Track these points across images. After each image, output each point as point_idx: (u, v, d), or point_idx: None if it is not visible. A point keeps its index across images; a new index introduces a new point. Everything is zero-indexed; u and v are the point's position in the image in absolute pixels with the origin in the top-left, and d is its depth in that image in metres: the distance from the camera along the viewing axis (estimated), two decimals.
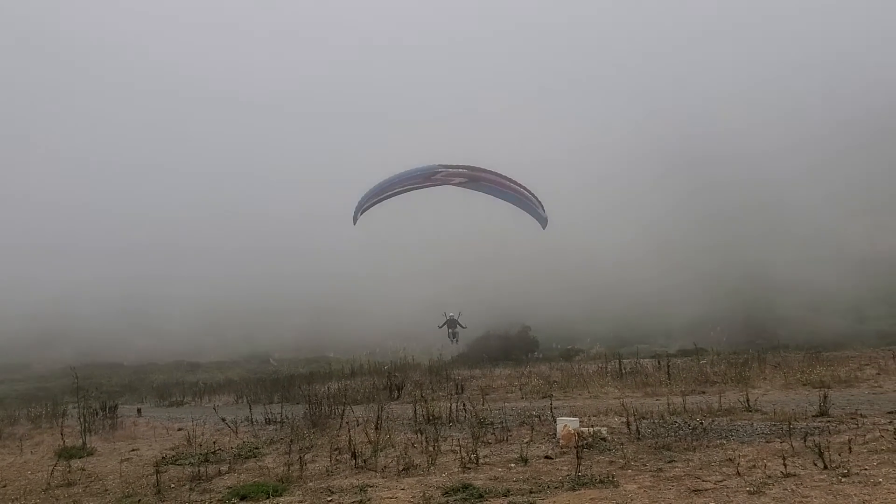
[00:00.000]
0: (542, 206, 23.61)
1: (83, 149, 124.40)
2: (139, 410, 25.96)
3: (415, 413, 14.82)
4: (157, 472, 10.58)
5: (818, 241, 79.52)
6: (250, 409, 18.68)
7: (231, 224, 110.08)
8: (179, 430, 17.68)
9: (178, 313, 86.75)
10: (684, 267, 75.09)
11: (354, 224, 23.62)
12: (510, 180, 23.02)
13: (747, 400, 13.30)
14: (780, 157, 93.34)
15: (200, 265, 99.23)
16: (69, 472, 12.14)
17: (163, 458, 13.11)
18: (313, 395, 17.96)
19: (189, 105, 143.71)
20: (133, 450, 15.15)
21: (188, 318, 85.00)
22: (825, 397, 11.95)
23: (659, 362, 23.13)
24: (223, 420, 16.11)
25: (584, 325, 68.36)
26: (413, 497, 8.14)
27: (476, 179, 22.84)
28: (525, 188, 23.10)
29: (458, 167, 22.57)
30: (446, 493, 8.16)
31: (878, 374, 17.93)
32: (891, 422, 10.18)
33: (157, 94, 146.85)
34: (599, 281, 72.10)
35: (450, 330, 34.14)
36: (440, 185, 22.79)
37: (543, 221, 24.07)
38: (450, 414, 14.79)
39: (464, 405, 15.48)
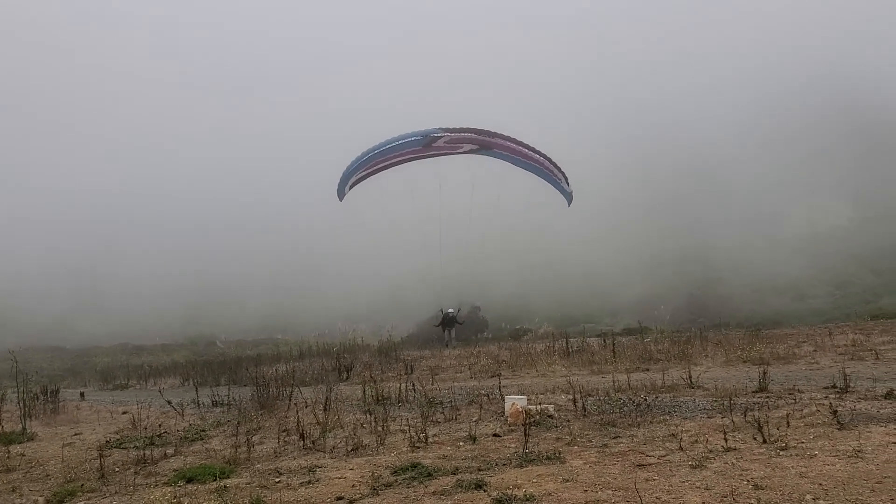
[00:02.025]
0: (567, 180, 20.12)
1: (27, 120, 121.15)
2: (82, 394, 25.49)
3: (364, 394, 14.82)
4: (101, 456, 10.38)
5: (759, 223, 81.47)
6: (197, 391, 18.45)
7: (178, 201, 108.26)
8: (124, 413, 17.40)
9: (122, 294, 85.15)
10: (630, 248, 76.30)
11: (341, 200, 20.11)
12: (529, 148, 19.23)
13: (690, 377, 13.60)
14: (725, 144, 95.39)
15: (146, 243, 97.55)
16: (8, 457, 11.84)
17: (107, 441, 12.88)
18: (261, 377, 17.82)
19: (135, 77, 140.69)
20: (76, 434, 14.86)
21: (133, 299, 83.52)
22: (764, 374, 12.28)
23: (605, 341, 23.52)
24: (169, 403, 15.90)
25: (533, 305, 69.06)
26: (362, 476, 8.15)
27: (487, 147, 18.97)
28: (547, 157, 19.41)
29: (462, 130, 18.60)
30: (395, 472, 8.18)
31: (815, 350, 18.49)
32: (826, 397, 10.51)
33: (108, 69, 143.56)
34: (548, 262, 72.93)
35: (446, 330, 29.65)
36: (444, 154, 19.01)
37: (568, 197, 20.57)
38: (399, 394, 14.83)
39: (413, 385, 15.54)
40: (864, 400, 10.11)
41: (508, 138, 18.91)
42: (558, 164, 19.58)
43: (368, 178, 19.62)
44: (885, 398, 10.05)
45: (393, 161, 18.98)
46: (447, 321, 28.90)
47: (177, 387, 28.35)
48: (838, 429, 8.29)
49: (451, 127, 18.43)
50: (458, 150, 18.97)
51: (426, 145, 18.44)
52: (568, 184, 20.09)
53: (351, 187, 19.56)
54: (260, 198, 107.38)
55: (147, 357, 56.32)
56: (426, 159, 19.07)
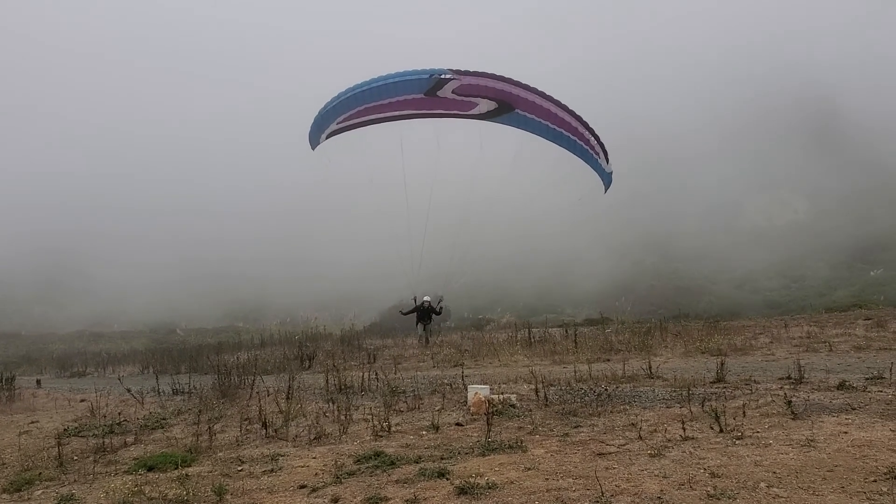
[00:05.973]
0: (607, 156, 15.82)
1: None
2: (38, 382, 25.14)
3: (326, 382, 14.79)
4: (59, 444, 10.26)
5: (718, 216, 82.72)
6: (157, 379, 18.27)
7: (145, 188, 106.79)
8: (82, 401, 17.19)
9: (81, 281, 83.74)
10: (593, 240, 76.89)
11: (314, 149, 15.92)
12: (565, 108, 14.80)
13: (649, 367, 13.78)
14: (686, 138, 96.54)
15: (107, 229, 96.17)
16: None
17: (65, 430, 12.73)
18: (222, 365, 17.70)
19: (100, 61, 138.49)
20: (33, 422, 14.66)
21: (93, 285, 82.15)
22: (722, 365, 12.48)
23: (566, 331, 23.73)
24: (128, 391, 15.73)
25: (495, 295, 69.37)
26: (325, 465, 8.15)
27: (509, 105, 14.48)
28: (586, 124, 15.07)
29: (480, 76, 14.20)
30: (358, 460, 8.19)
31: (771, 342, 18.83)
32: (781, 388, 10.73)
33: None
34: (510, 253, 73.25)
35: (419, 323, 24.59)
36: (451, 115, 14.73)
37: (608, 179, 16.27)
38: (362, 383, 14.82)
39: (376, 374, 15.55)
40: (817, 391, 10.34)
41: (534, 91, 14.53)
42: (598, 135, 15.44)
43: (351, 132, 15.36)
44: (838, 389, 10.29)
45: (385, 111, 14.74)
46: (422, 313, 24.09)
47: (136, 375, 28.03)
48: (792, 419, 8.48)
49: (465, 70, 14.20)
50: (472, 110, 14.72)
51: (429, 92, 14.22)
52: (608, 161, 15.96)
53: (328, 136, 15.36)
54: (225, 185, 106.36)
55: (105, 344, 55.63)
56: (427, 118, 14.93)
